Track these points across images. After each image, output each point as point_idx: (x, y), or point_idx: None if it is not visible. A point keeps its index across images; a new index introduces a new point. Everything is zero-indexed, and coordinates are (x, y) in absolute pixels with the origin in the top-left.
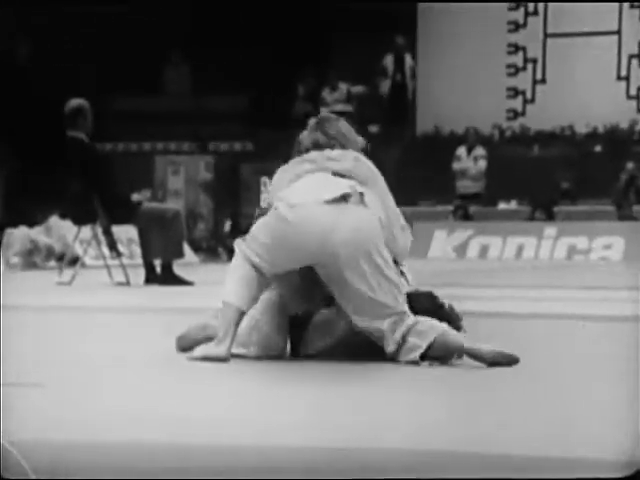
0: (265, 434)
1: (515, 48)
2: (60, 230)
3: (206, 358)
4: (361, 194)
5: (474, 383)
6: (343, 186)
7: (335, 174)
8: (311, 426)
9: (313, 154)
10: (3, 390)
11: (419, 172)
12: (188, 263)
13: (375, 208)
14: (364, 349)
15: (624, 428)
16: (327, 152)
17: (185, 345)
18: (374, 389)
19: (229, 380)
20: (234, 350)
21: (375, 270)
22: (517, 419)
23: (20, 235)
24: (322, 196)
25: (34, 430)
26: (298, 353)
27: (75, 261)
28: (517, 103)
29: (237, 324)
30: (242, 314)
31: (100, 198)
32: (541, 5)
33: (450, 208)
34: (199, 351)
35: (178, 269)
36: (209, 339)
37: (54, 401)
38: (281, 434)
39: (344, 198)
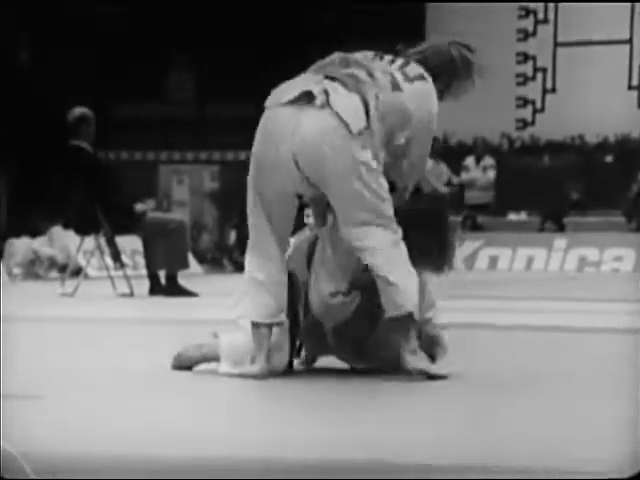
0: (270, 448)
1: (525, 57)
2: (63, 240)
3: (242, 375)
4: (326, 93)
5: (472, 391)
6: (310, 86)
7: (327, 77)
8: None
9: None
10: (3, 401)
11: None
12: (193, 274)
13: (346, 111)
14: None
15: (625, 431)
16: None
17: (182, 363)
18: (383, 404)
19: (230, 394)
20: (232, 370)
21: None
22: (518, 423)
23: (22, 245)
24: (284, 97)
25: (34, 443)
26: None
27: (78, 272)
28: (527, 113)
29: (269, 338)
30: (272, 326)
31: (103, 208)
32: (551, 13)
33: (459, 219)
34: (236, 369)
35: (182, 280)
36: (206, 358)
37: (54, 413)
38: (286, 448)
39: (308, 98)
